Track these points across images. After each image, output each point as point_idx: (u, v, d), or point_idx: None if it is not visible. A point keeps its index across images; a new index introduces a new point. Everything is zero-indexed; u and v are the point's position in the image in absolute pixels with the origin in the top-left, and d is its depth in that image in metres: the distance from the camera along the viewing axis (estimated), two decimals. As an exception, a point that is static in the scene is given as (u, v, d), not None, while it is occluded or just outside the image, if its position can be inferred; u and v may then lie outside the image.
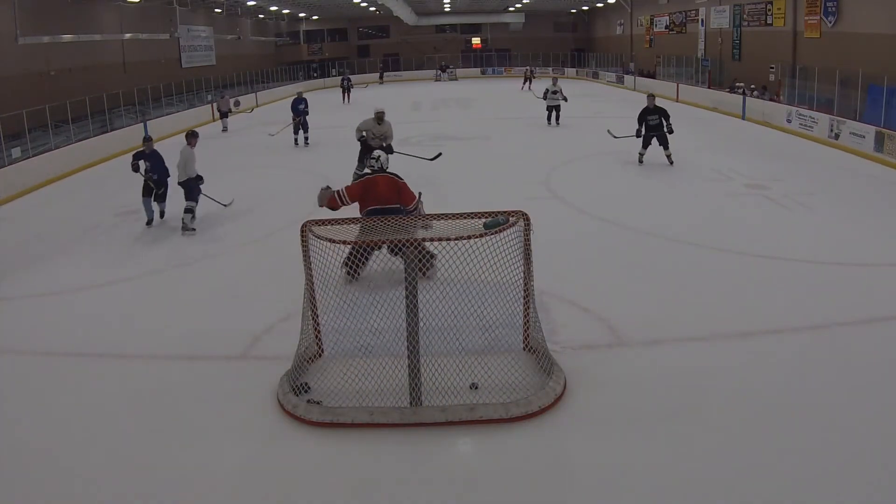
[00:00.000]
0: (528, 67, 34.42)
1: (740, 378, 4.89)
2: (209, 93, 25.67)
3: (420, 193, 6.95)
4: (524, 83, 30.51)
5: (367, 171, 7.08)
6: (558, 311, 5.99)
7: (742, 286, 6.61)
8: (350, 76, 30.51)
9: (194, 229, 8.92)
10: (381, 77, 40.46)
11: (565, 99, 17.64)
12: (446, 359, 4.78)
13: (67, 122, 16.02)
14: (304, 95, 17.30)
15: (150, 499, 3.82)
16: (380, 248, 5.26)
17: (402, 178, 6.94)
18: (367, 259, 6.12)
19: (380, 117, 10.88)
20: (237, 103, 24.37)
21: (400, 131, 18.24)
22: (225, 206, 9.83)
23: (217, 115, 21.59)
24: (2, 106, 14.89)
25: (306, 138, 16.61)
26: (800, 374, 4.94)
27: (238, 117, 22.17)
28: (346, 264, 5.91)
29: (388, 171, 6.94)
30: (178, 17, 27.28)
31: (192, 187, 9.08)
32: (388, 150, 10.33)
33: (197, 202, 9.10)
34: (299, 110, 16.58)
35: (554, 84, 17.77)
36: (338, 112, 24.01)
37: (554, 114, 17.80)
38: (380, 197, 6.73)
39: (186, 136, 9.50)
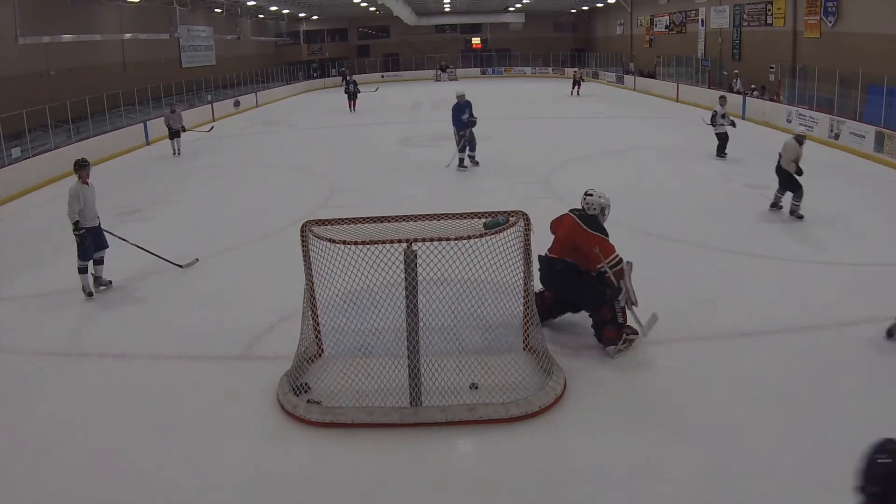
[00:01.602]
0: (576, 69, 30.03)
1: (740, 378, 4.89)
2: (209, 93, 25.67)
3: (629, 263, 5.35)
4: (573, 87, 27.59)
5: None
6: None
7: (742, 286, 6.61)
8: (355, 79, 25.76)
9: (91, 293, 6.90)
10: (343, 80, 37.36)
11: (733, 124, 13.21)
12: (446, 359, 4.78)
13: (67, 122, 16.03)
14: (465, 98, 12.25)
15: (150, 499, 3.82)
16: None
17: (599, 231, 5.36)
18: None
19: (800, 139, 8.82)
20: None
21: (400, 131, 18.41)
22: (181, 267, 7.58)
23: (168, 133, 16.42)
24: (2, 106, 14.89)
25: (472, 157, 12.62)
26: (800, 374, 4.94)
27: (189, 136, 16.87)
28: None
29: (589, 213, 5.49)
30: (178, 17, 27.28)
31: (81, 238, 6.90)
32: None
33: (86, 260, 6.93)
34: (463, 122, 12.16)
35: (722, 105, 13.31)
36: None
37: (724, 143, 13.22)
38: (555, 241, 5.58)
39: (74, 167, 7.06)
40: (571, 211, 5.63)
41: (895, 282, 6.62)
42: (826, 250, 7.50)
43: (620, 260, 5.31)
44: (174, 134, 16.08)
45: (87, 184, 6.99)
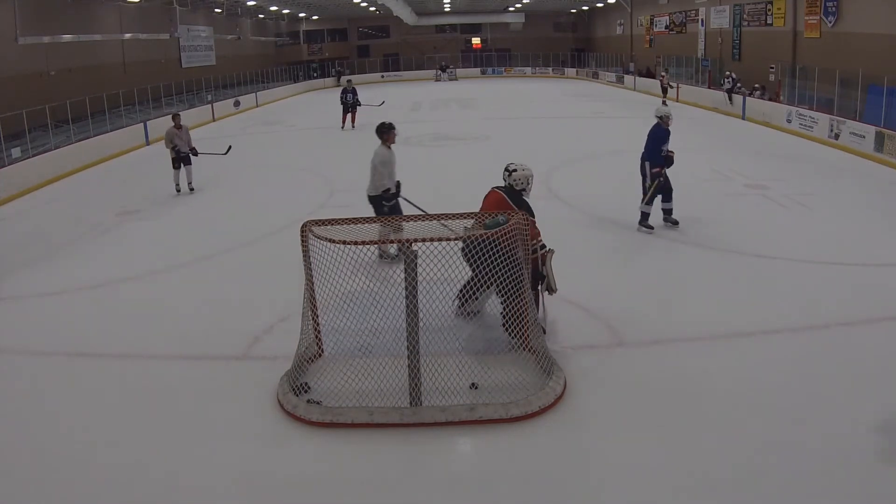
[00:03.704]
0: (662, 74, 25.53)
1: (740, 378, 4.89)
2: (209, 93, 25.67)
3: (549, 251, 5.31)
4: (664, 94, 23.95)
5: None
6: (558, 311, 5.99)
7: (742, 286, 6.61)
8: (355, 85, 19.94)
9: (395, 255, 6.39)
10: (338, 79, 37.35)
11: None
12: (446, 359, 4.77)
13: (67, 122, 16.04)
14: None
15: (149, 499, 3.82)
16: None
17: (526, 210, 5.09)
18: (478, 294, 5.43)
19: None
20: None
21: (400, 131, 18.24)
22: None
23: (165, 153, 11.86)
24: (2, 106, 14.89)
25: (668, 212, 8.37)
26: (800, 374, 4.93)
27: (202, 163, 12.10)
28: (459, 297, 5.43)
29: (517, 189, 5.31)
30: (178, 17, 27.28)
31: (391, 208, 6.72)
32: None
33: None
34: (662, 155, 7.99)
35: None
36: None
37: None
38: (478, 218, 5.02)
39: (381, 129, 6.87)
40: (496, 188, 5.54)
41: (895, 282, 6.64)
42: (826, 250, 7.50)
43: (544, 244, 5.29)
44: (182, 160, 11.44)
45: (389, 148, 6.78)
